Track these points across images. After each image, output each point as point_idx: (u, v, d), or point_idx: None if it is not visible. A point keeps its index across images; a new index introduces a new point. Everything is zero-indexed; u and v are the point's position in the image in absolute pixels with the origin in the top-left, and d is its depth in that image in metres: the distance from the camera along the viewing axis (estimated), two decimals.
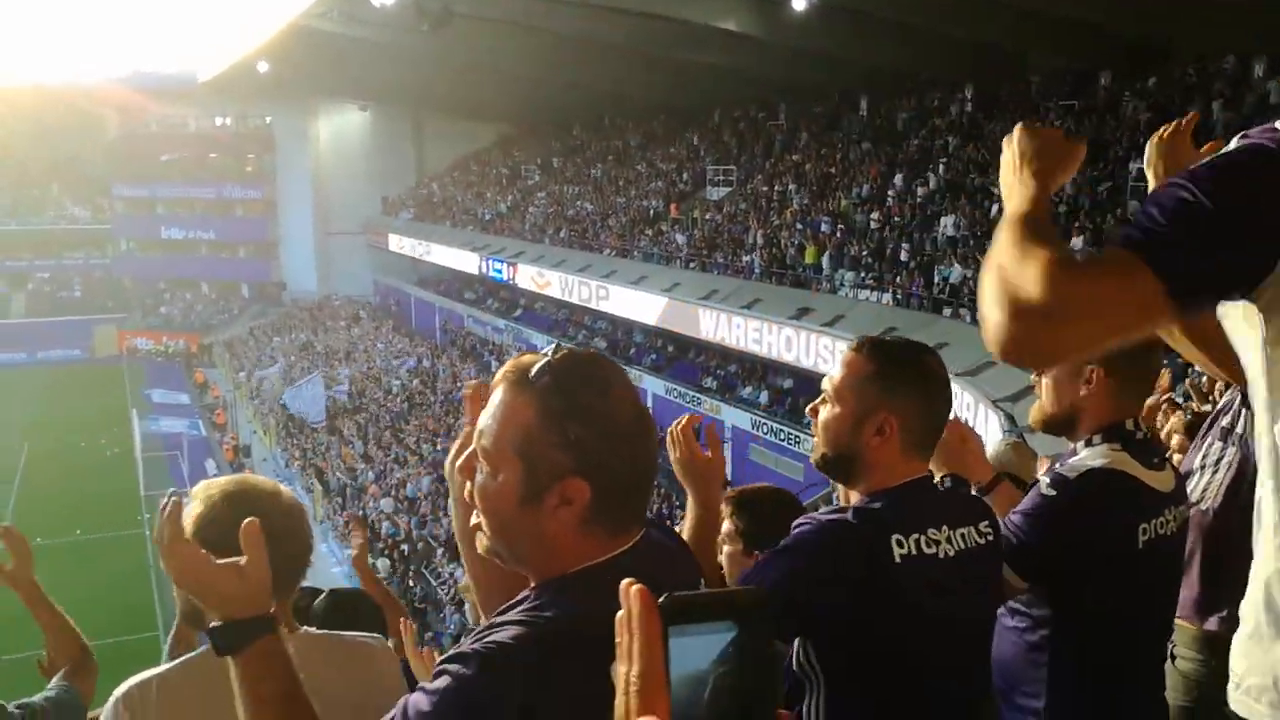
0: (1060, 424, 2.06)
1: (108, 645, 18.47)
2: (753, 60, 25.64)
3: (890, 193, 21.98)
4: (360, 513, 24.76)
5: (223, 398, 38.65)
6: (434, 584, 21.63)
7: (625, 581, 0.72)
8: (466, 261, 37.03)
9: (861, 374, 1.67)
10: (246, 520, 1.33)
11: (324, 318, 46.85)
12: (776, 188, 26.07)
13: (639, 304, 25.73)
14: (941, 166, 21.28)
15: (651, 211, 30.29)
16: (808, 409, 1.77)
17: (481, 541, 1.20)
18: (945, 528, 1.65)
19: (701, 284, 24.06)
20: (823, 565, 1.58)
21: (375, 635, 1.85)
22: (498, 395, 1.16)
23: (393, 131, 51.10)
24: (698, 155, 31.90)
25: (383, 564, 21.98)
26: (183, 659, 1.62)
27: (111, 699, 1.55)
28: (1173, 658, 2.24)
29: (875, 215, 21.51)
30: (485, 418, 1.16)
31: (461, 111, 47.49)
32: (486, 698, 1.04)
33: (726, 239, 25.36)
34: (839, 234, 21.87)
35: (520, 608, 1.12)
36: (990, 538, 1.75)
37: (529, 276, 31.71)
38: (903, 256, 19.65)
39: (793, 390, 21.70)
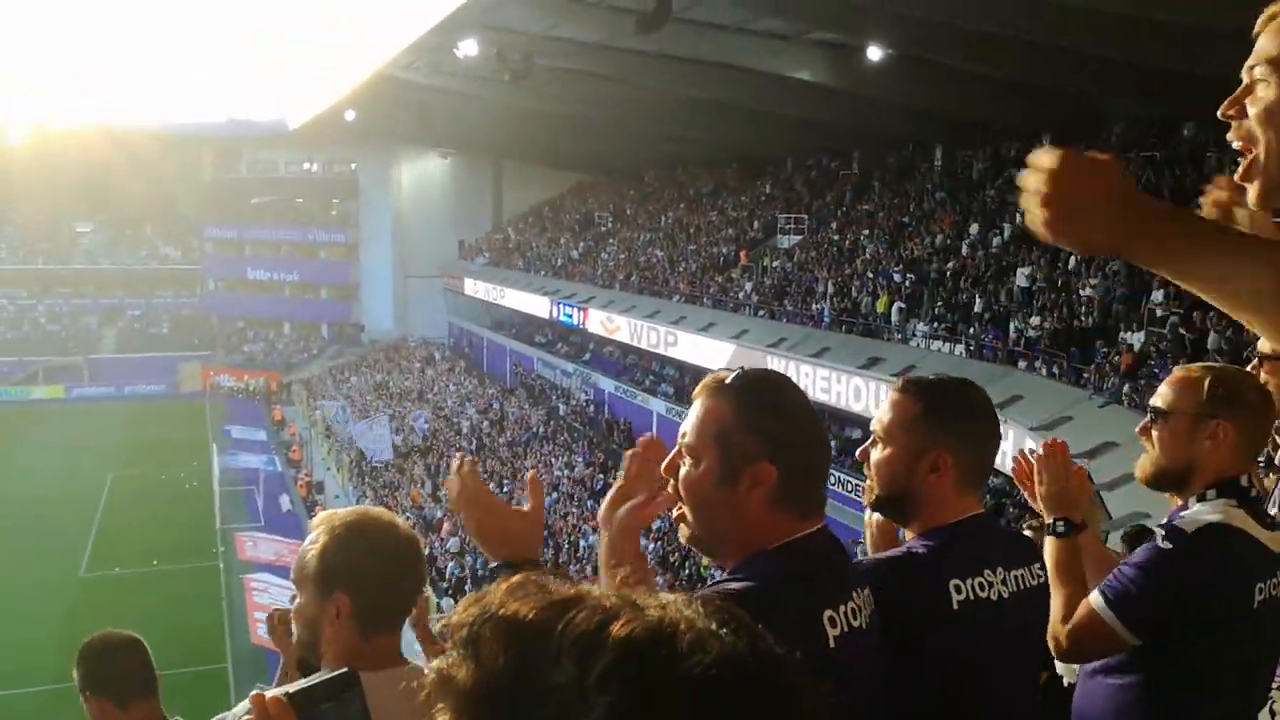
0: (1173, 478, 1.98)
1: (177, 675, 18.85)
2: (826, 109, 25.72)
3: (964, 243, 21.70)
4: (427, 552, 24.98)
5: (298, 435, 39.56)
6: None
7: (255, 694, 0.83)
8: (538, 306, 37.53)
9: (910, 413, 1.68)
10: (530, 471, 1.68)
11: (400, 359, 47.80)
12: (848, 236, 25.96)
13: (707, 350, 25.71)
14: (1017, 216, 20.92)
15: (721, 258, 30.39)
16: (858, 453, 1.78)
17: (684, 531, 1.41)
18: (1000, 569, 1.64)
19: (770, 331, 23.99)
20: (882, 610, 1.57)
21: None
22: (697, 403, 1.40)
23: (472, 178, 52.43)
24: (769, 203, 31.98)
25: (447, 604, 22.09)
26: (301, 683, 1.65)
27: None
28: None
29: (949, 265, 21.24)
30: (686, 423, 1.41)
31: (538, 159, 48.54)
32: None
33: (796, 287, 25.28)
34: (910, 283, 21.63)
35: (730, 575, 1.33)
36: (1041, 580, 1.73)
37: (599, 321, 31.98)
38: (976, 307, 19.33)
39: (860, 441, 21.32)
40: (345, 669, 0.91)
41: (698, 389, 1.43)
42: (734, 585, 1.28)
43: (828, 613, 1.30)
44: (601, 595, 0.63)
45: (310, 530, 1.75)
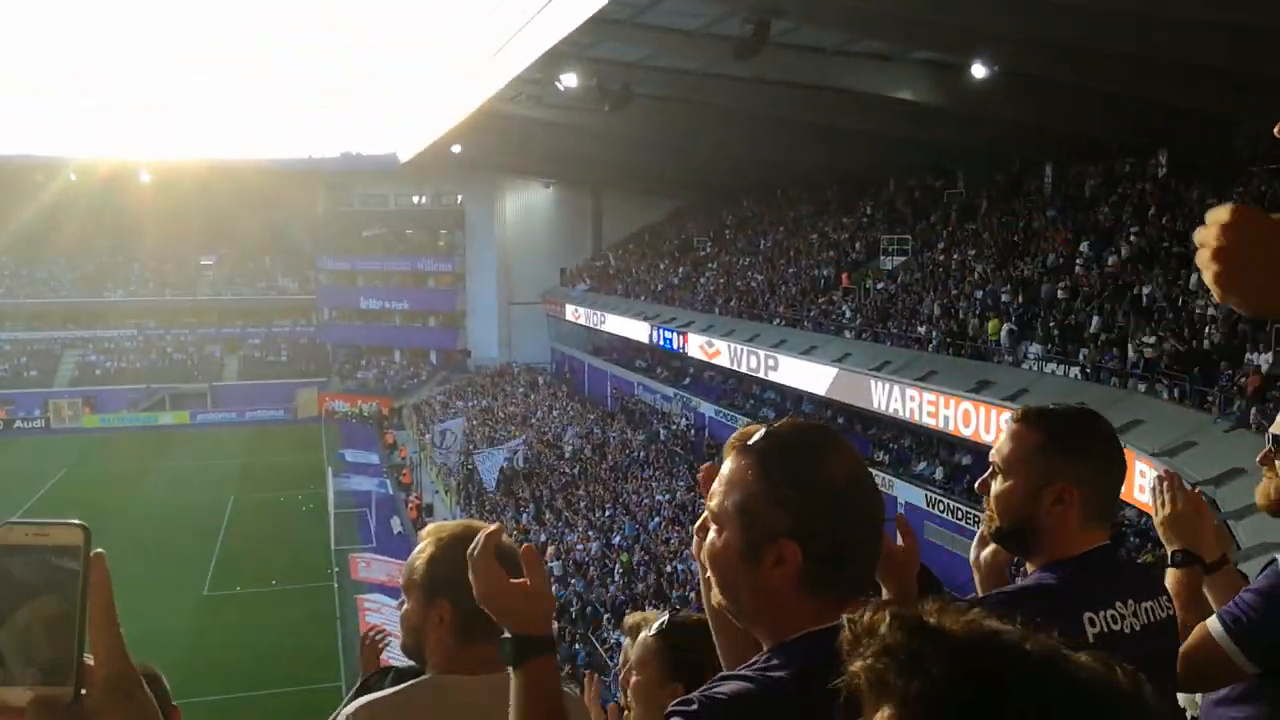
0: None
1: (293, 693, 19.45)
2: (929, 128, 25.32)
3: (1078, 261, 21.01)
4: None
5: (409, 458, 40.65)
6: (599, 649, 21.73)
7: None
8: (638, 330, 37.82)
9: (1031, 444, 1.64)
10: (525, 546, 1.52)
11: (504, 384, 48.75)
12: (955, 256, 25.42)
13: (808, 374, 25.46)
14: (1133, 234, 20.19)
15: (822, 281, 30.11)
16: (976, 485, 1.75)
17: (715, 597, 1.29)
18: (1130, 601, 1.60)
19: (873, 354, 23.61)
20: None
21: (572, 688, 1.94)
22: (725, 462, 1.27)
23: (573, 206, 53.39)
24: (871, 224, 31.58)
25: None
26: (403, 686, 1.75)
27: (340, 717, 1.70)
28: None
29: (1062, 284, 20.59)
30: (715, 483, 1.28)
31: (638, 186, 49.11)
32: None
33: (901, 309, 24.86)
34: (1019, 304, 21.04)
35: (750, 665, 1.20)
36: (1170, 612, 1.67)
37: (698, 346, 32.03)
38: (1092, 328, 18.67)
39: (971, 466, 20.80)
40: None
41: (725, 445, 1.31)
42: (724, 689, 1.14)
43: None
44: (1026, 634, 0.72)
45: (420, 540, 1.85)
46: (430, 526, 1.88)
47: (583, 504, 29.96)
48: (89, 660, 0.86)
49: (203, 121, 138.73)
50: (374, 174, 55.89)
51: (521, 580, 1.45)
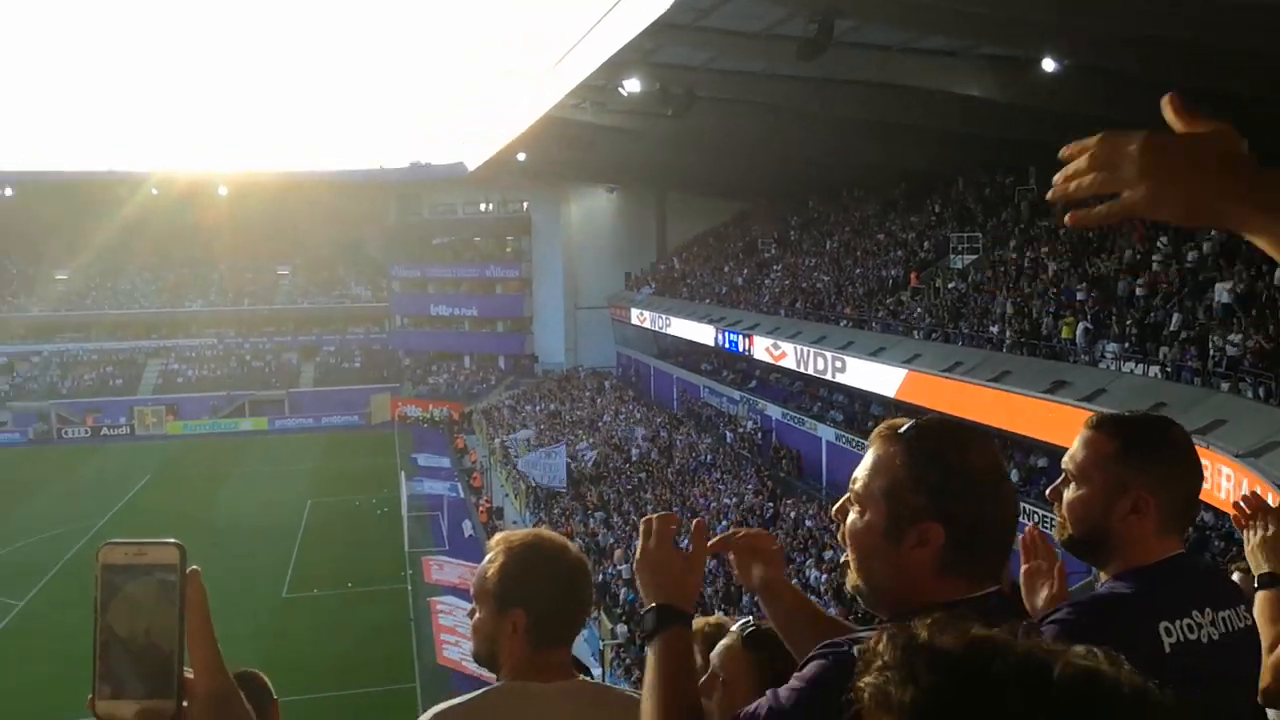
0: None
1: (370, 693, 19.79)
2: (998, 124, 24.85)
3: (1155, 258, 20.41)
4: (600, 578, 25.43)
5: (479, 462, 41.21)
6: None
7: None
8: (703, 334, 37.79)
9: (1106, 452, 1.64)
10: (695, 519, 1.64)
11: (571, 388, 49.11)
12: (1028, 254, 24.89)
13: (877, 376, 25.16)
14: (1213, 229, 19.52)
15: (890, 281, 29.73)
16: (1049, 492, 1.74)
17: (849, 579, 1.39)
18: (1208, 610, 1.57)
19: (944, 355, 23.22)
20: None
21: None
22: (870, 450, 1.37)
23: (637, 211, 53.59)
24: (940, 222, 31.08)
25: (620, 630, 22.40)
26: (481, 691, 1.80)
27: None
28: None
29: (1140, 281, 20.02)
30: (858, 469, 1.37)
31: (702, 189, 49.09)
32: (840, 685, 1.17)
33: (972, 308, 24.43)
34: (1094, 301, 20.51)
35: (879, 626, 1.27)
36: (1249, 622, 1.65)
37: (764, 348, 31.87)
38: (1172, 325, 18.12)
39: (1047, 469, 20.32)
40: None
41: (872, 435, 1.40)
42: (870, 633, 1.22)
43: None
44: (1013, 640, 0.74)
45: (488, 550, 1.89)
46: (499, 535, 1.93)
47: (650, 507, 30.02)
48: (188, 674, 0.90)
49: (276, 135, 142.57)
50: (442, 183, 56.86)
51: (684, 551, 1.58)
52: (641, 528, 1.63)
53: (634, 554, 1.63)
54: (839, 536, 1.41)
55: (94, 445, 50.07)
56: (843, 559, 1.40)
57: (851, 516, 1.37)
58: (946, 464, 1.29)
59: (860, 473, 1.36)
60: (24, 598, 27.16)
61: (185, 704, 0.89)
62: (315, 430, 52.55)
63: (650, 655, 1.50)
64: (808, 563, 22.33)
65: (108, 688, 0.89)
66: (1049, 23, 17.57)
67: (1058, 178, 1.16)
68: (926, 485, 1.29)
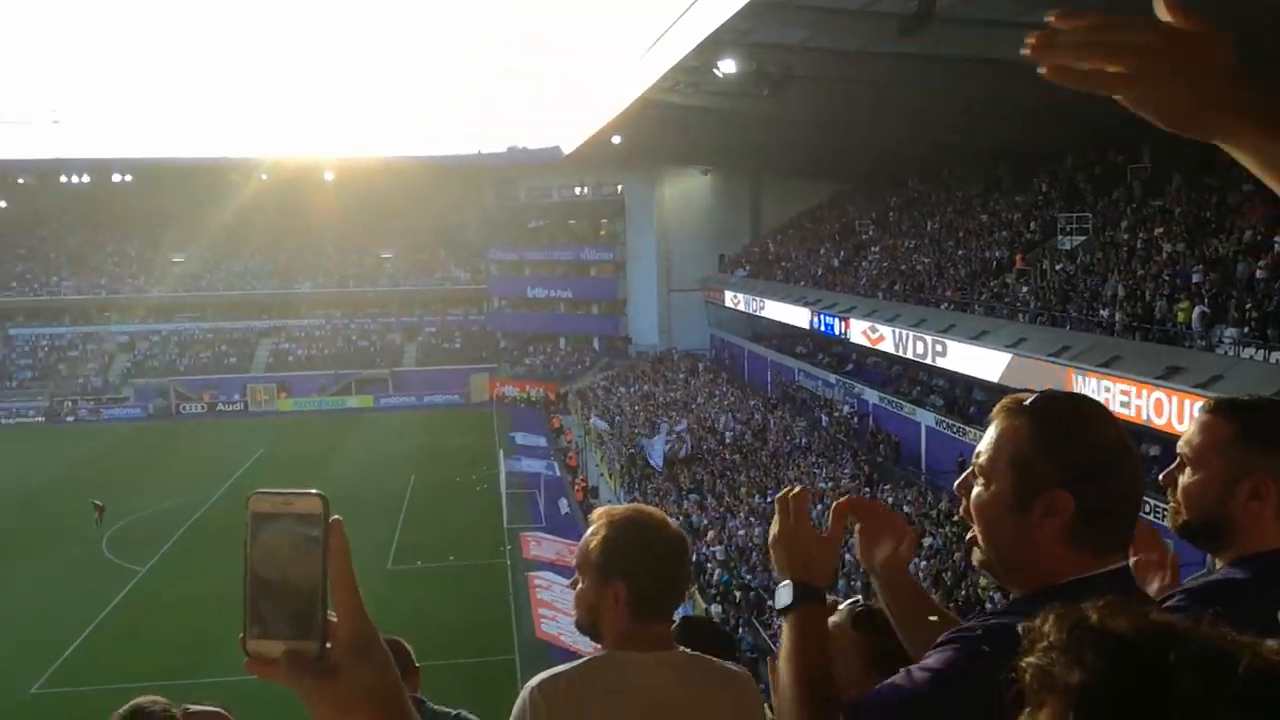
0: None
1: (470, 664, 20.34)
2: (1111, 101, 23.86)
3: (1277, 238, 19.41)
4: (694, 558, 25.61)
5: (574, 442, 41.78)
6: (764, 634, 21.81)
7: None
8: (798, 316, 37.45)
9: (1223, 435, 1.60)
10: (837, 502, 1.70)
11: (664, 370, 49.29)
12: (1140, 235, 23.94)
13: (980, 360, 24.59)
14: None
15: (995, 263, 28.95)
16: (1162, 476, 1.71)
17: (976, 555, 1.39)
18: None
19: (1051, 339, 22.54)
20: None
21: (740, 666, 2.03)
22: (994, 424, 1.37)
23: (732, 192, 53.28)
24: (1048, 203, 30.09)
25: (715, 610, 22.55)
26: (584, 660, 1.89)
27: (527, 689, 1.82)
28: None
29: (1261, 263, 19.09)
30: (981, 443, 1.38)
31: (798, 170, 48.50)
32: (977, 666, 1.19)
33: (1081, 291, 23.64)
34: (1212, 284, 19.62)
35: (1010, 608, 1.29)
36: None
37: (861, 331, 31.43)
38: None
39: (1160, 458, 19.59)
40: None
41: (995, 410, 1.39)
42: (1003, 622, 1.20)
43: None
44: (1194, 628, 0.72)
45: (591, 522, 1.97)
46: (601, 509, 1.99)
47: (743, 490, 30.03)
48: (332, 618, 0.95)
49: (377, 122, 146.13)
50: (538, 167, 57.52)
51: (822, 531, 1.62)
52: (778, 505, 1.66)
53: (772, 531, 1.66)
54: (961, 512, 1.42)
55: (210, 420, 52.51)
56: (968, 535, 1.40)
57: (976, 490, 1.36)
58: (1073, 434, 1.29)
59: (984, 446, 1.37)
60: (146, 564, 28.74)
61: (328, 646, 0.93)
62: (417, 408, 54.05)
63: (786, 629, 1.54)
64: None
65: (257, 628, 0.93)
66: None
67: (1035, 37, 1.03)
68: (1054, 455, 1.28)
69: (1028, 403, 1.35)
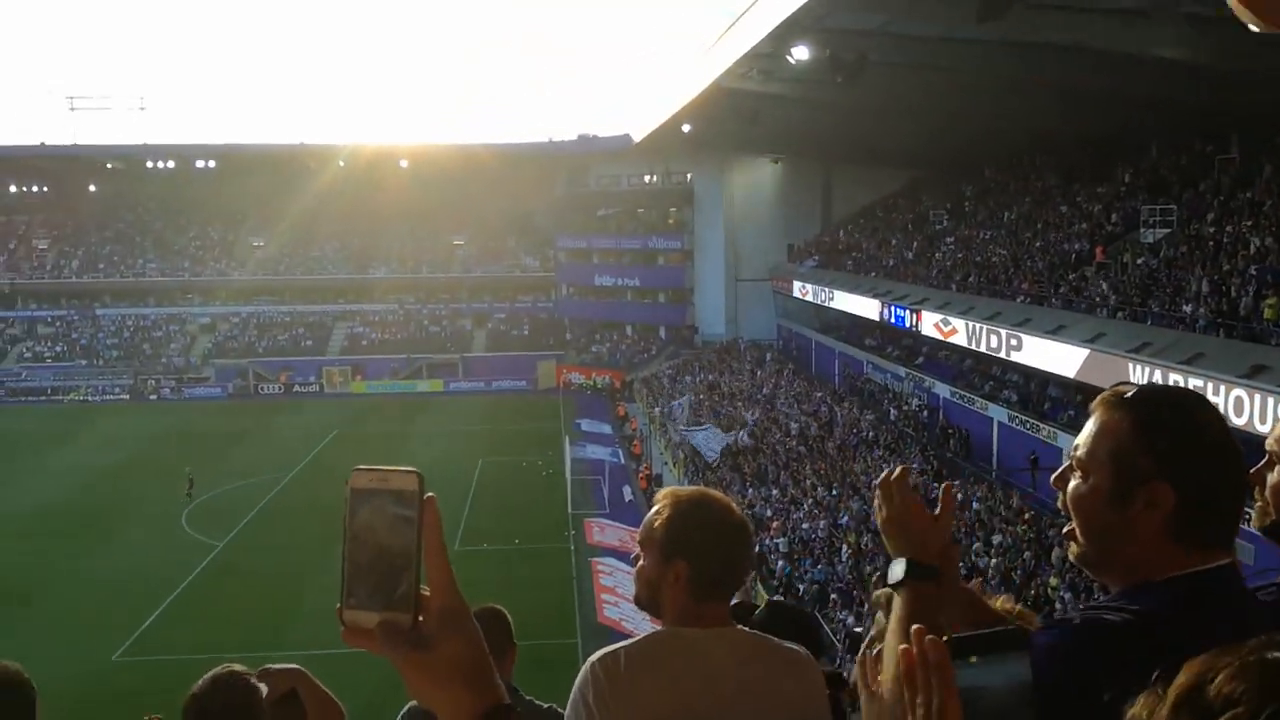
0: None
1: (532, 646, 20.61)
2: (1197, 89, 23.05)
3: None
4: (756, 549, 25.52)
5: (639, 430, 41.94)
6: (825, 627, 21.70)
7: (916, 628, 0.88)
8: (868, 308, 36.99)
9: None
10: (945, 484, 1.71)
11: (730, 360, 49.13)
12: (1227, 229, 23.11)
13: (1056, 355, 23.98)
14: None
15: (1074, 255, 28.20)
16: (1251, 474, 1.64)
17: (1073, 549, 1.37)
18: None
19: (1131, 335, 21.88)
20: None
21: (805, 649, 2.03)
22: (1094, 417, 1.35)
23: (801, 181, 52.75)
24: (1130, 194, 29.18)
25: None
26: (644, 636, 1.91)
27: (588, 663, 1.85)
28: None
29: None
30: (1080, 436, 1.36)
31: (869, 159, 47.81)
32: (1080, 657, 1.20)
33: (1163, 286, 22.92)
34: None
35: (1110, 602, 1.28)
36: None
37: (932, 324, 30.91)
38: None
39: (1245, 459, 18.92)
40: (1014, 627, 0.89)
41: (1095, 402, 1.37)
42: (1110, 617, 1.21)
43: None
44: None
45: (657, 502, 1.98)
46: (666, 490, 2.01)
47: (808, 482, 29.83)
48: (425, 592, 0.98)
49: (451, 109, 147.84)
50: (608, 155, 57.69)
51: (930, 513, 1.62)
52: (881, 491, 1.66)
53: (879, 517, 1.66)
54: (1059, 505, 1.40)
55: (287, 401, 53.91)
56: (1065, 529, 1.39)
57: (1074, 483, 1.35)
58: (1174, 426, 1.27)
59: (1083, 439, 1.35)
60: (224, 539, 29.68)
61: (421, 619, 0.96)
62: (486, 393, 54.77)
63: (897, 602, 1.55)
64: (974, 546, 21.69)
65: (353, 599, 0.95)
66: None
67: None
68: (1154, 447, 1.26)
69: (1128, 395, 1.33)
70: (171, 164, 63.33)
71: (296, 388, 56.49)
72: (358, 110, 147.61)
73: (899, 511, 1.62)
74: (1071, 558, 1.39)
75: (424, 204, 63.24)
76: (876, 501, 1.69)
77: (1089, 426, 1.35)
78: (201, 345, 60.51)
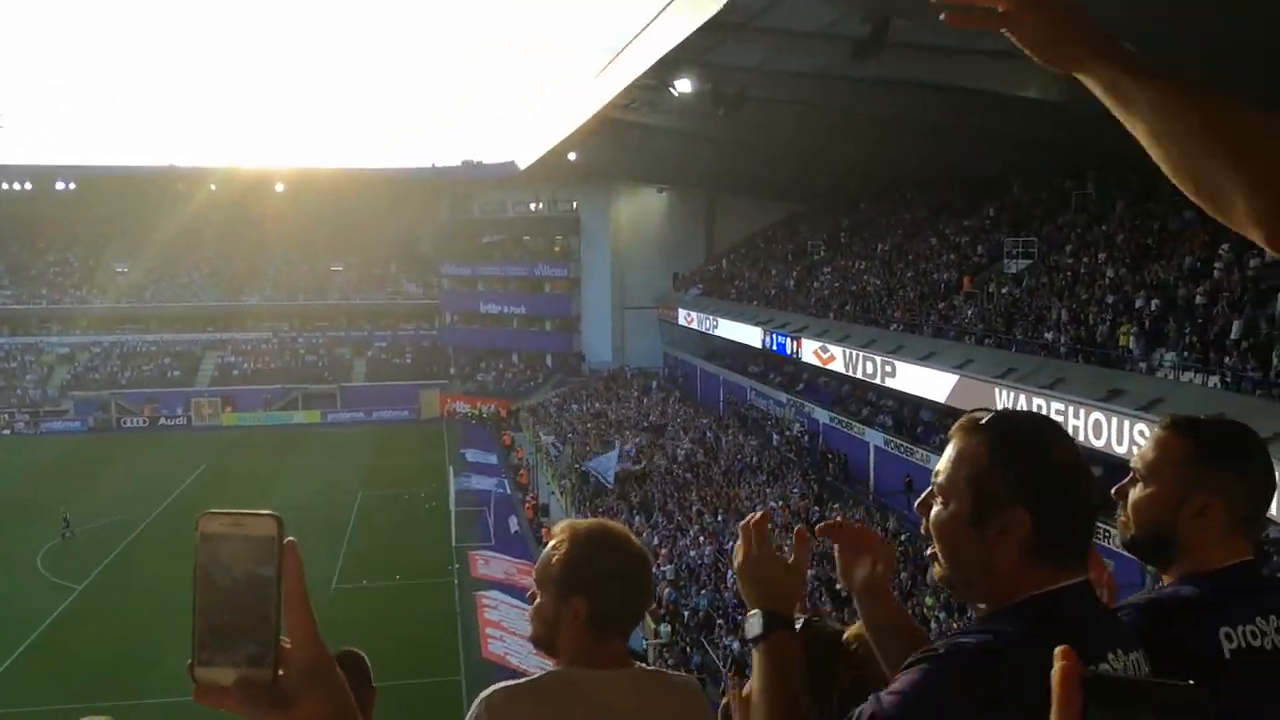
0: None
1: (414, 685, 19.99)
2: (1057, 128, 24.43)
3: (1217, 265, 19.96)
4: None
5: (525, 459, 41.49)
6: (712, 654, 21.76)
7: (1060, 649, 0.78)
8: (751, 335, 37.68)
9: (1178, 453, 1.62)
10: (799, 527, 1.68)
11: (617, 388, 49.22)
12: (1084, 260, 24.48)
13: (927, 381, 24.90)
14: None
15: (943, 285, 29.39)
16: (1113, 490, 1.72)
17: (936, 570, 1.39)
18: (1274, 618, 1.53)
19: (997, 361, 22.92)
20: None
21: (694, 678, 2.01)
22: (952, 443, 1.37)
23: (686, 211, 53.56)
24: (995, 227, 30.66)
25: (664, 630, 22.44)
26: (540, 675, 1.83)
27: (477, 701, 1.77)
28: None
29: (1201, 290, 19.60)
30: (941, 461, 1.38)
31: (752, 190, 48.94)
32: (946, 686, 1.20)
33: (1026, 314, 24.08)
34: (1155, 309, 20.11)
35: (974, 626, 1.30)
36: None
37: (812, 351, 31.70)
38: (1233, 334, 17.71)
39: (1101, 479, 19.88)
40: (1190, 683, 0.70)
41: (953, 428, 1.40)
42: (968, 640, 1.23)
43: None
44: None
45: (553, 536, 1.91)
46: (564, 523, 1.94)
47: (694, 509, 30.01)
48: (286, 644, 0.90)
49: (329, 133, 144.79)
50: (494, 182, 57.37)
51: (786, 559, 1.63)
52: (741, 533, 1.66)
53: (734, 558, 1.66)
54: (922, 530, 1.42)
55: (152, 435, 51.26)
56: (928, 551, 1.41)
57: (935, 509, 1.37)
58: (1030, 451, 1.30)
59: (943, 464, 1.37)
60: (83, 581, 27.92)
61: (281, 673, 0.89)
62: (366, 424, 53.33)
63: (757, 659, 1.54)
64: None
65: (206, 654, 0.88)
66: (1111, 24, 17.21)
67: None
68: (1011, 472, 1.29)
69: (984, 421, 1.35)
70: (29, 185, 59.87)
71: (162, 420, 53.85)
72: (234, 133, 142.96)
73: (755, 558, 1.63)
74: (936, 578, 1.41)
75: (302, 229, 61.49)
76: (737, 544, 1.67)
77: (948, 452, 1.37)
78: (59, 376, 57.07)
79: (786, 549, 1.69)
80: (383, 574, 27.70)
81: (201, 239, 60.96)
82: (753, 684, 1.53)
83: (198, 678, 0.88)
